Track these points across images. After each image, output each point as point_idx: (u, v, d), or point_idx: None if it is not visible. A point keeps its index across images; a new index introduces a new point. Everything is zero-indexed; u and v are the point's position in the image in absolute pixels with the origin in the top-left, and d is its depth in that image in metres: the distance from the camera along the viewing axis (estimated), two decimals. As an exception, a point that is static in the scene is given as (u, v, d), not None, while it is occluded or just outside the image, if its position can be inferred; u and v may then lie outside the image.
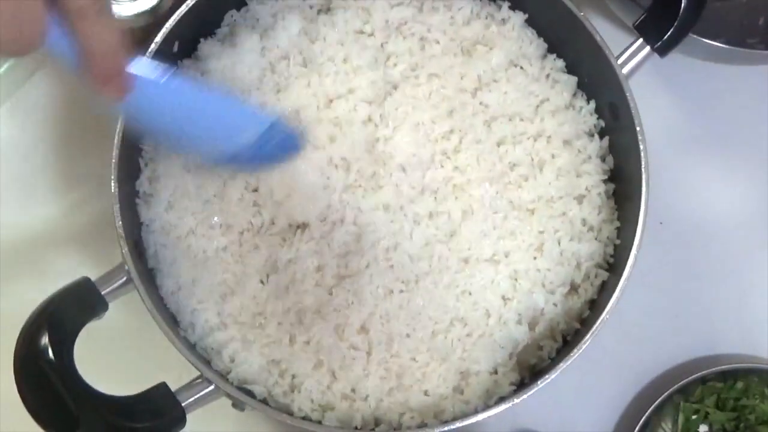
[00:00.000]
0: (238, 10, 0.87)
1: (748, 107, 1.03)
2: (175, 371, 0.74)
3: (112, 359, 0.87)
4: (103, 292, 0.72)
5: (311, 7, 0.86)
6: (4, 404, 0.74)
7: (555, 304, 0.79)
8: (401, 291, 0.77)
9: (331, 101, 0.82)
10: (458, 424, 0.72)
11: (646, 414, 0.87)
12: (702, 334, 0.96)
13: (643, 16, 0.79)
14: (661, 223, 0.98)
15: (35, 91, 0.98)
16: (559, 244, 0.80)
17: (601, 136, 0.85)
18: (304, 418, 0.75)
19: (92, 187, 0.95)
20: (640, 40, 0.80)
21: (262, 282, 0.78)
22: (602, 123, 0.85)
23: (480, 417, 0.73)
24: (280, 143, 0.69)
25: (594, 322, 0.74)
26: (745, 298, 0.97)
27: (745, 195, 1.01)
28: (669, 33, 0.78)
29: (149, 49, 0.79)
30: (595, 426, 0.92)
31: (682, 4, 0.77)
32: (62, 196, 0.96)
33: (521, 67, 0.85)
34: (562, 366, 0.72)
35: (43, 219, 0.95)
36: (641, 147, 0.78)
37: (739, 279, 0.98)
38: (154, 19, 0.83)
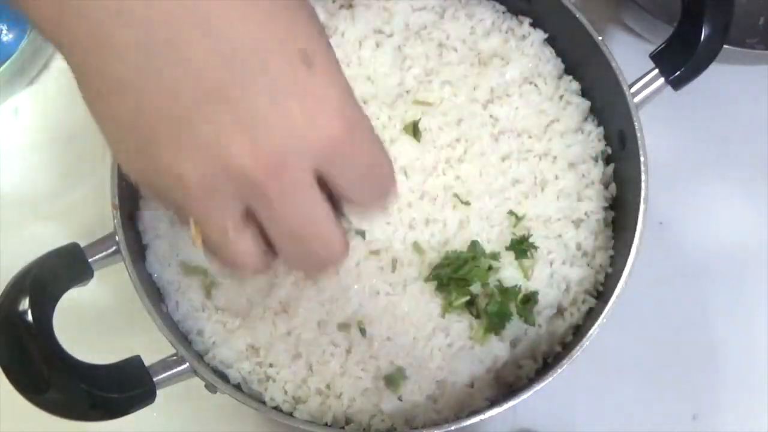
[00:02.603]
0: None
1: (748, 108, 1.03)
2: (154, 347, 0.74)
3: (95, 329, 0.88)
4: (90, 260, 0.72)
5: (333, 1, 0.87)
6: (4, 404, 0.75)
7: (539, 325, 0.79)
8: (387, 294, 0.77)
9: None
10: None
11: None
12: (702, 335, 0.96)
13: (660, 47, 0.79)
14: (660, 223, 0.98)
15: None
16: (550, 265, 0.80)
17: (607, 162, 0.84)
18: (275, 408, 0.75)
19: (96, 161, 0.96)
20: (656, 70, 0.79)
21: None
22: (609, 150, 0.85)
23: (451, 428, 0.72)
24: None
25: (575, 347, 0.73)
26: (745, 298, 0.97)
27: (745, 196, 1.01)
28: (685, 67, 0.77)
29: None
30: (595, 426, 0.92)
31: (701, 39, 0.76)
32: (64, 168, 0.97)
33: (535, 85, 0.85)
34: (537, 387, 0.72)
35: (43, 190, 0.96)
36: (643, 178, 0.77)
37: (739, 279, 0.98)
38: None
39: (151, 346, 0.72)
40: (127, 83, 0.43)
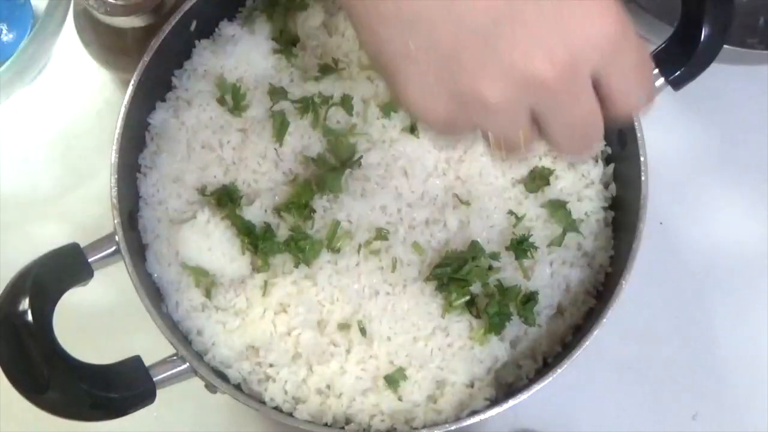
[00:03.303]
0: (261, -5, 0.87)
1: (748, 108, 1.03)
2: (154, 347, 0.74)
3: (95, 329, 0.88)
4: (90, 260, 0.72)
5: (333, 2, 0.86)
6: (4, 404, 0.75)
7: (539, 325, 0.79)
8: (387, 293, 0.77)
9: (341, 95, 0.82)
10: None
11: None
12: (702, 335, 0.96)
13: (661, 47, 0.79)
14: (661, 223, 0.98)
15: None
16: (551, 265, 0.80)
17: (607, 162, 0.84)
18: (275, 408, 0.75)
19: (96, 161, 0.96)
20: (656, 70, 0.79)
21: (252, 268, 0.79)
22: (609, 150, 0.85)
23: (451, 428, 0.73)
24: None
25: (575, 347, 0.73)
26: (745, 298, 0.97)
27: (745, 196, 1.01)
28: (685, 67, 0.77)
29: (167, 25, 0.79)
30: (595, 426, 0.92)
31: (701, 39, 0.76)
32: (64, 169, 0.97)
33: (535, 85, 0.85)
34: (537, 387, 0.72)
35: (43, 190, 0.96)
36: (643, 178, 0.77)
37: (739, 279, 0.98)
38: (155, 18, 0.83)
39: (151, 346, 0.72)
40: (421, 17, 0.48)
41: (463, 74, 0.49)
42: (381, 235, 0.78)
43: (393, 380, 0.75)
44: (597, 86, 0.51)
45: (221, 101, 0.82)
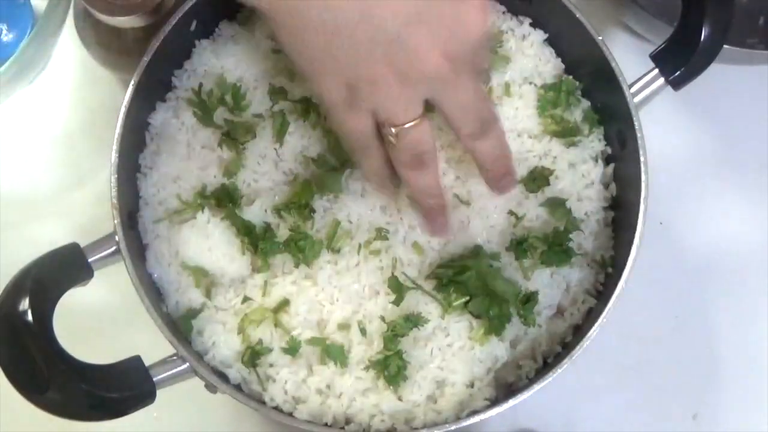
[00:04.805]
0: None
1: (748, 108, 1.03)
2: (154, 347, 0.74)
3: (95, 329, 0.88)
4: (90, 260, 0.72)
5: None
6: (4, 404, 0.75)
7: (539, 325, 0.79)
8: (387, 293, 0.77)
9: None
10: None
11: None
12: (702, 335, 0.96)
13: (660, 47, 0.79)
14: (661, 223, 0.98)
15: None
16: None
17: (607, 162, 0.84)
18: (275, 408, 0.75)
19: (96, 161, 0.96)
20: (656, 70, 0.79)
21: (252, 268, 0.78)
22: (609, 150, 0.85)
23: (451, 428, 0.73)
24: None
25: (575, 347, 0.73)
26: (745, 298, 0.98)
27: (745, 196, 1.01)
28: (685, 67, 0.78)
29: (167, 25, 0.79)
30: (595, 426, 0.92)
31: (701, 39, 0.76)
32: (64, 169, 0.97)
33: (535, 85, 0.85)
34: (537, 387, 0.72)
35: (43, 190, 0.96)
36: (643, 178, 0.77)
37: (739, 279, 0.98)
38: (155, 18, 0.83)
39: (151, 346, 0.72)
40: (341, 26, 0.59)
41: (365, 61, 0.60)
42: (381, 235, 0.78)
43: (393, 380, 0.75)
44: None
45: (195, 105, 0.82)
